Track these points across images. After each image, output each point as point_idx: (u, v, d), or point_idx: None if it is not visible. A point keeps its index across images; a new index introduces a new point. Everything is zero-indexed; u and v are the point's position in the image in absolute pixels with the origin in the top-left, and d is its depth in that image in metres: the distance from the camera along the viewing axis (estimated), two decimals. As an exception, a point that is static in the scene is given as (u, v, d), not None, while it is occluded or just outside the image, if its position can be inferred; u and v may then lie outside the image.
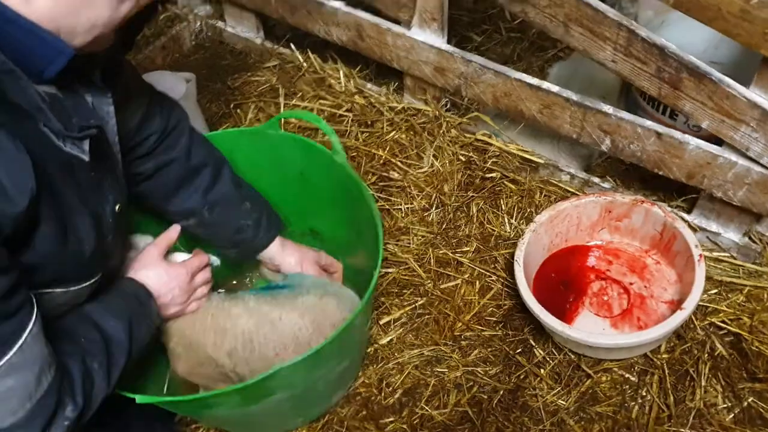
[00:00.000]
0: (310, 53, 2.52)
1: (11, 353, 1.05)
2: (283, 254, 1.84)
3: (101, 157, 1.29)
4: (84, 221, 1.23)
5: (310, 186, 1.96)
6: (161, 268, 1.55)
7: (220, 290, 1.77)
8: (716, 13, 1.60)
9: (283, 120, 2.40)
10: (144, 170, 1.65)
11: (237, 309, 1.66)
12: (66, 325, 1.29)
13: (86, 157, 1.19)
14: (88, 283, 1.31)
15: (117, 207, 1.36)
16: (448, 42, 2.18)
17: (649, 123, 1.93)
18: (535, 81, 2.04)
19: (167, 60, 2.70)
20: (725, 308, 1.94)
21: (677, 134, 1.90)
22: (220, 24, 2.73)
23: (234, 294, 1.74)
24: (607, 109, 1.96)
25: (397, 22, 2.20)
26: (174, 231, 1.65)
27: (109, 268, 1.42)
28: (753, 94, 1.71)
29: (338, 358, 1.65)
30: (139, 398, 1.40)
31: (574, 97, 2.00)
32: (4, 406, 1.08)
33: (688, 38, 2.11)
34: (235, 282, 2.06)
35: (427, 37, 2.16)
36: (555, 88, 2.02)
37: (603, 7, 1.78)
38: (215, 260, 1.78)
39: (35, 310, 1.12)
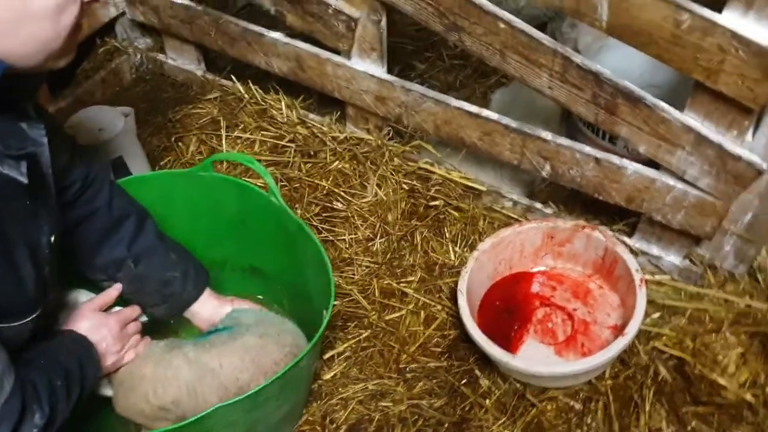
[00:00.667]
0: (251, 84, 2.49)
1: None
2: (213, 306, 1.80)
3: (37, 184, 1.26)
4: (22, 252, 1.21)
5: (248, 226, 1.92)
6: (92, 319, 1.54)
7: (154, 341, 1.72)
8: (648, 38, 1.62)
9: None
10: (68, 221, 1.61)
11: (177, 360, 1.63)
12: (25, 354, 1.30)
13: (24, 180, 1.16)
14: (30, 318, 1.28)
15: (52, 238, 1.33)
16: (389, 71, 2.18)
17: (587, 149, 1.94)
18: (474, 109, 2.04)
19: (107, 93, 2.64)
20: (668, 332, 1.94)
21: (615, 159, 1.91)
22: (160, 56, 2.70)
23: (171, 342, 1.69)
24: (546, 135, 1.97)
25: (337, 52, 2.19)
26: (114, 290, 1.65)
27: (48, 303, 1.38)
28: (687, 118, 1.72)
29: (280, 399, 1.61)
30: None
31: (513, 124, 2.00)
32: None
33: (626, 62, 2.14)
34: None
35: (367, 66, 2.15)
36: (494, 116, 2.02)
37: (538, 34, 1.79)
38: (144, 318, 1.73)
39: None
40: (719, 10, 1.51)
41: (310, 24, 2.13)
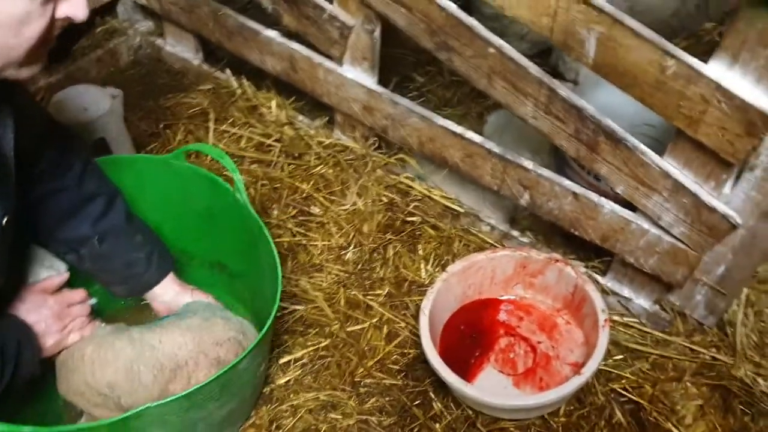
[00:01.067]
0: (245, 80, 2.48)
1: None
2: (174, 292, 1.79)
3: None
4: None
5: (216, 220, 1.91)
6: (31, 300, 1.53)
7: (103, 323, 1.70)
8: (633, 80, 1.60)
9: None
10: (33, 195, 1.60)
11: (121, 342, 1.61)
12: None
13: None
14: None
15: (4, 219, 1.32)
16: (388, 81, 2.17)
17: (567, 182, 1.92)
18: (458, 129, 2.02)
19: (102, 73, 2.64)
20: (628, 375, 1.92)
21: (593, 196, 1.88)
22: (159, 42, 2.69)
23: (119, 326, 1.67)
24: (527, 164, 1.95)
25: (329, 57, 2.18)
26: (60, 278, 1.65)
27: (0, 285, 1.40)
28: (666, 163, 1.70)
29: (221, 399, 1.58)
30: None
31: (495, 149, 1.98)
32: None
33: (624, 97, 2.10)
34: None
35: (357, 75, 2.13)
36: (478, 138, 2.00)
37: (526, 62, 1.77)
38: (93, 300, 1.71)
39: None
40: (706, 61, 1.49)
41: (305, 26, 2.12)
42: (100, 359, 1.57)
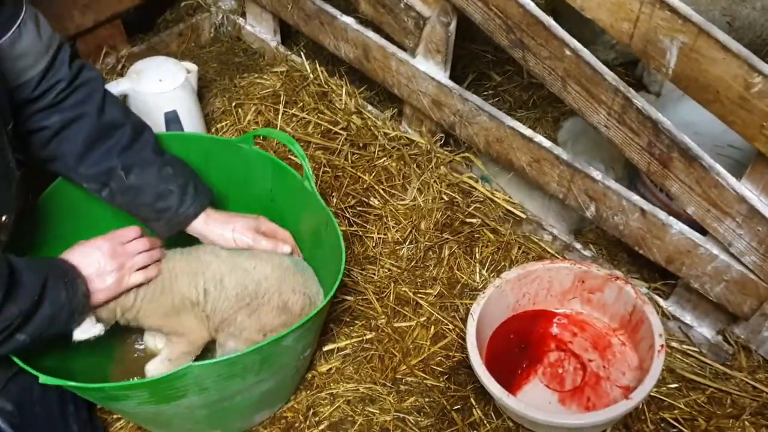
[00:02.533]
0: (318, 65, 2.47)
1: None
2: (218, 224, 1.74)
3: None
4: None
5: (277, 204, 1.91)
6: (81, 245, 1.53)
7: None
8: (714, 96, 1.51)
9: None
10: (50, 124, 1.59)
11: (207, 256, 1.71)
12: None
13: None
14: None
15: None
16: (458, 77, 2.13)
17: (635, 198, 1.83)
18: (528, 132, 1.96)
19: (182, 47, 2.68)
20: (682, 406, 1.82)
21: (662, 214, 1.79)
22: (240, 21, 2.71)
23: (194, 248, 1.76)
24: (596, 174, 1.87)
25: (403, 48, 2.14)
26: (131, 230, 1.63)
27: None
28: (743, 187, 1.60)
29: (260, 374, 1.58)
30: (43, 378, 1.37)
31: (564, 155, 1.90)
32: None
33: (709, 116, 2.00)
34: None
35: (429, 68, 2.09)
36: (547, 143, 1.93)
37: (602, 68, 1.69)
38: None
39: None
40: (797, 80, 1.39)
41: (380, 14, 2.09)
42: (191, 270, 1.68)
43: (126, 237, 1.59)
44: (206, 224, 1.74)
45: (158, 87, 2.20)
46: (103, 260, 1.52)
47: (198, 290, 1.67)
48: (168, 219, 1.71)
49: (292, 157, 2.26)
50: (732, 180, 1.60)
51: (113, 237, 1.57)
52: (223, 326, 1.71)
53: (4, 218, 1.45)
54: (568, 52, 1.71)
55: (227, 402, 1.60)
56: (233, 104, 2.48)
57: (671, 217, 1.79)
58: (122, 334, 1.85)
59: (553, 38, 1.72)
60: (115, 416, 1.83)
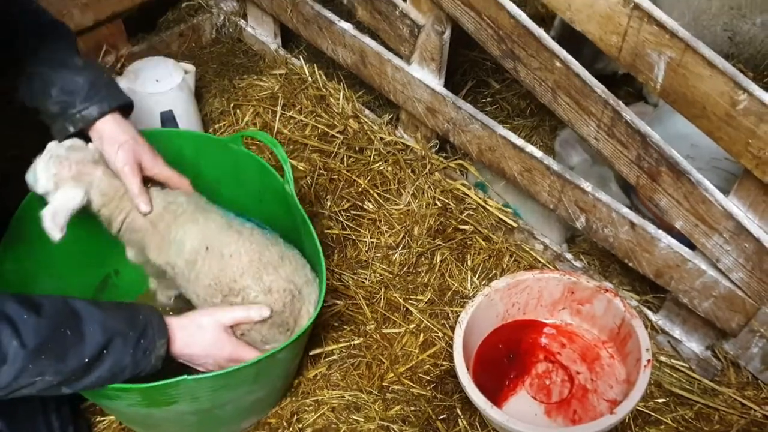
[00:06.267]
0: (317, 69, 2.47)
1: None
2: (106, 139, 1.60)
3: None
4: None
5: (266, 204, 1.91)
6: (212, 334, 1.48)
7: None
8: (701, 111, 1.49)
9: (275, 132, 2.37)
10: None
11: (198, 216, 1.64)
12: (45, 300, 1.26)
13: None
14: None
15: None
16: (457, 84, 2.13)
17: (624, 210, 1.82)
18: (519, 141, 1.95)
19: (183, 47, 2.69)
20: (669, 421, 1.81)
21: (651, 228, 1.78)
22: (241, 22, 2.71)
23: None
24: (585, 186, 1.86)
25: (398, 55, 2.14)
26: (256, 312, 1.55)
27: None
28: (730, 203, 1.58)
29: (253, 385, 1.60)
30: None
31: (555, 166, 1.89)
32: None
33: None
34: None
35: (424, 75, 2.09)
36: (538, 153, 1.92)
37: (592, 81, 1.68)
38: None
39: None
40: (783, 98, 1.37)
41: (377, 21, 2.09)
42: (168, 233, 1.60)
43: (245, 359, 1.52)
44: (101, 136, 1.61)
45: (155, 87, 2.21)
46: (211, 362, 1.50)
47: (169, 263, 1.60)
48: (69, 116, 1.59)
49: (292, 161, 2.26)
50: (719, 196, 1.59)
51: (239, 352, 1.52)
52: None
53: None
54: (558, 64, 1.70)
55: (218, 410, 1.61)
56: (231, 105, 2.49)
57: (660, 231, 1.77)
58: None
59: (544, 49, 1.71)
60: (99, 417, 1.84)
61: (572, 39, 1.81)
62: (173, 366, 1.49)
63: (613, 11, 1.51)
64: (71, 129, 1.60)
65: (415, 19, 1.97)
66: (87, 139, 1.62)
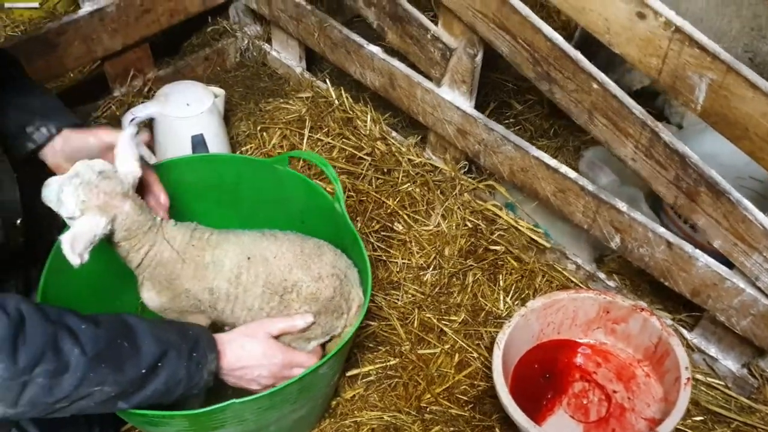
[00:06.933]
0: (343, 92, 2.49)
1: None
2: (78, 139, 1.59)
3: None
4: None
5: (308, 225, 1.91)
6: (262, 344, 1.50)
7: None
8: (743, 132, 1.52)
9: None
10: None
11: (227, 243, 1.61)
12: (99, 315, 1.28)
13: None
14: None
15: None
16: (479, 106, 2.13)
17: (661, 230, 1.84)
18: (553, 162, 1.97)
19: (207, 71, 2.71)
20: (708, 440, 1.82)
21: (688, 247, 1.80)
22: (266, 46, 2.74)
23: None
24: (621, 206, 1.88)
25: (428, 77, 2.16)
26: (302, 320, 1.58)
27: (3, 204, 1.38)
28: (771, 222, 1.60)
29: (296, 403, 1.60)
30: None
31: (590, 186, 1.91)
32: None
33: (731, 147, 2.01)
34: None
35: (454, 97, 2.11)
36: (572, 174, 1.94)
37: (630, 102, 1.70)
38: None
39: None
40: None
41: (407, 45, 2.11)
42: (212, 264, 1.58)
43: (303, 365, 1.55)
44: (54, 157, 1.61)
45: (185, 111, 2.23)
46: (265, 373, 1.50)
47: (212, 288, 1.59)
48: (28, 135, 1.59)
49: (319, 182, 2.27)
50: (760, 215, 1.61)
51: (294, 361, 1.54)
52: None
53: (18, 221, 1.44)
54: (595, 86, 1.72)
55: (263, 431, 1.61)
56: (258, 128, 2.50)
57: (698, 250, 1.79)
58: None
59: (581, 72, 1.73)
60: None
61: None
62: (219, 393, 1.50)
63: (654, 34, 1.54)
64: (30, 146, 1.60)
65: (447, 42, 2.00)
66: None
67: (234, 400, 1.39)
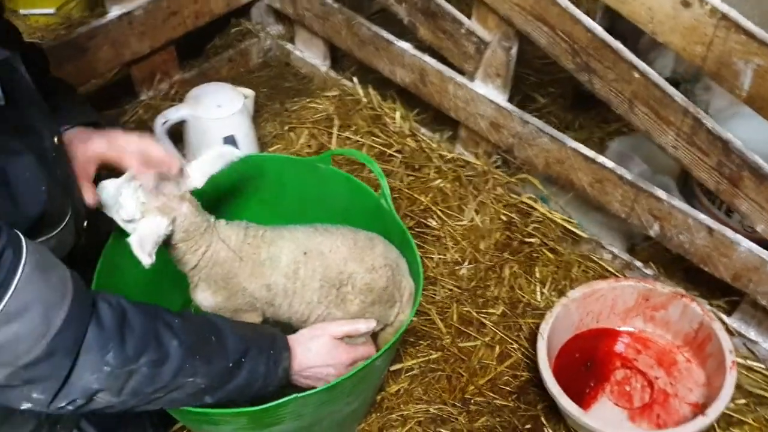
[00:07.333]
0: (371, 89, 2.50)
1: (5, 300, 1.02)
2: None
3: (17, 96, 1.23)
4: (27, 162, 1.18)
5: (352, 223, 1.91)
6: (327, 344, 1.52)
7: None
8: (788, 117, 1.54)
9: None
10: None
11: (282, 239, 1.61)
12: (186, 312, 1.33)
13: (2, 101, 1.15)
14: (63, 224, 1.29)
15: (55, 139, 1.33)
16: (510, 100, 2.15)
17: (702, 216, 1.86)
18: (590, 153, 1.99)
19: (231, 73, 2.71)
20: (751, 421, 1.84)
21: (729, 233, 1.82)
22: (289, 46, 2.75)
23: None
24: (660, 194, 1.90)
25: (461, 72, 2.18)
26: (365, 325, 1.60)
27: (75, 205, 1.38)
28: (815, 205, 1.63)
29: (350, 396, 1.61)
30: None
31: (628, 175, 1.94)
32: (16, 348, 1.05)
33: (759, 135, 2.03)
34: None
35: (488, 91, 2.13)
36: (610, 164, 1.96)
37: (671, 90, 1.72)
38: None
39: (24, 249, 1.07)
40: None
41: (440, 40, 2.13)
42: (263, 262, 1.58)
43: (363, 357, 1.57)
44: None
45: (217, 112, 2.23)
46: (332, 371, 1.52)
47: (269, 284, 1.59)
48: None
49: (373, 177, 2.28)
50: (805, 198, 1.63)
51: (356, 356, 1.56)
52: (304, 321, 1.64)
53: (84, 224, 1.44)
54: (636, 75, 1.74)
55: (316, 426, 1.62)
56: (285, 128, 2.51)
57: (738, 235, 1.82)
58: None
59: (621, 61, 1.75)
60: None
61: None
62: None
63: (699, 22, 1.56)
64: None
65: (482, 36, 2.02)
66: None
67: (296, 395, 1.39)
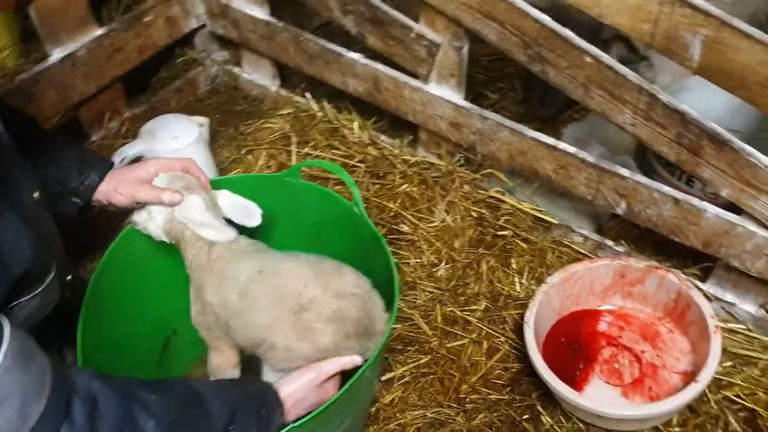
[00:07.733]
0: (325, 103, 2.51)
1: None
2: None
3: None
4: (10, 219, 1.16)
5: (324, 235, 1.91)
6: (305, 387, 1.46)
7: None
8: (740, 82, 1.59)
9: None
10: None
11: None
12: (164, 382, 1.26)
13: None
14: (48, 280, 1.27)
15: (35, 194, 1.33)
16: (465, 98, 2.17)
17: (666, 188, 1.90)
18: (551, 141, 2.02)
19: (181, 103, 2.68)
20: (740, 382, 1.89)
21: (695, 201, 1.87)
22: (236, 70, 2.73)
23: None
24: (624, 172, 1.94)
25: (414, 76, 2.20)
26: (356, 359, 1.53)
27: (59, 260, 1.37)
28: (775, 164, 1.68)
29: (342, 414, 1.59)
30: None
31: (590, 158, 1.97)
32: None
33: (705, 105, 2.09)
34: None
35: (444, 92, 2.15)
36: (571, 149, 2.00)
37: (624, 70, 1.77)
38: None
39: (5, 335, 1.03)
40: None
41: (390, 47, 2.14)
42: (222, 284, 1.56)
43: (328, 374, 1.51)
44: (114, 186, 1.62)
45: (174, 144, 2.20)
46: (313, 401, 1.47)
47: (222, 302, 1.56)
48: (73, 190, 1.61)
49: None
50: (764, 158, 1.68)
51: (320, 372, 1.48)
52: (267, 352, 1.56)
53: (68, 277, 1.43)
54: (588, 59, 1.78)
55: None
56: (243, 151, 2.49)
57: (704, 202, 1.86)
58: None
59: (572, 48, 1.79)
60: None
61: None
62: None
63: (644, 1, 1.60)
64: (79, 202, 1.62)
65: (432, 38, 2.04)
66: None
67: (292, 425, 1.38)
